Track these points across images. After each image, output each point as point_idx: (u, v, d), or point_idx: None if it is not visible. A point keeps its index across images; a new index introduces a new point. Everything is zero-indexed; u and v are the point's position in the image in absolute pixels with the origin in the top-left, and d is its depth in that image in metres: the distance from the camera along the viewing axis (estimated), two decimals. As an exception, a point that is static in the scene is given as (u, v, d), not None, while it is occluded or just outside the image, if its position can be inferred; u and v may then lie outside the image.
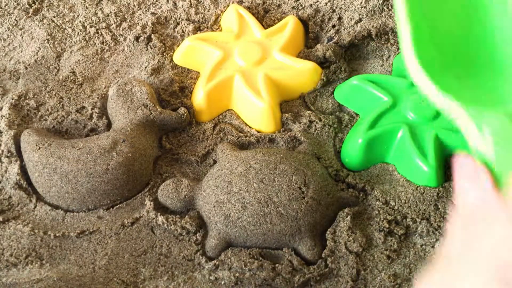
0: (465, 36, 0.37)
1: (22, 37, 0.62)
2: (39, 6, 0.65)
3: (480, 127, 0.31)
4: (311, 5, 0.63)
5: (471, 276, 0.27)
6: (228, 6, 0.63)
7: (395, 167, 0.52)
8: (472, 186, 0.30)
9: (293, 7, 0.63)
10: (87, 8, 0.64)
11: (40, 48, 0.61)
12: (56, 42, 0.62)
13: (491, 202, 0.28)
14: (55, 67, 0.60)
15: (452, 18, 0.38)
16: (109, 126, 0.55)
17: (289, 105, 0.57)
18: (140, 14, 0.64)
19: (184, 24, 0.63)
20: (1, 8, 0.65)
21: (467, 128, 0.32)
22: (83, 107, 0.56)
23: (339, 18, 0.61)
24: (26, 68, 0.60)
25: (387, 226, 0.48)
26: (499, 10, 0.36)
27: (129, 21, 0.63)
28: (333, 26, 0.61)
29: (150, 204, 0.49)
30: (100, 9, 0.64)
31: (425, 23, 0.36)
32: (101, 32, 0.62)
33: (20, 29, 0.63)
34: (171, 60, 0.60)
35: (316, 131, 0.54)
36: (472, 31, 0.37)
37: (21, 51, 0.61)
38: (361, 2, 0.61)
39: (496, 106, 0.32)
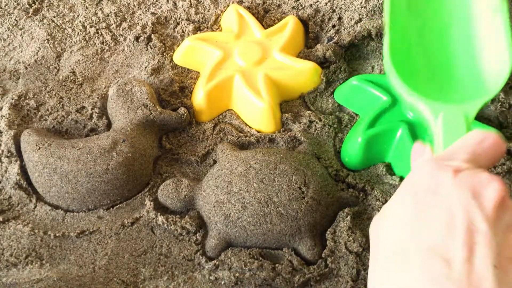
0: (433, 49, 0.46)
1: (22, 37, 0.62)
2: (39, 6, 0.65)
3: (437, 117, 0.39)
4: (311, 5, 0.63)
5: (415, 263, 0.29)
6: (228, 6, 0.63)
7: (395, 166, 0.52)
8: (419, 156, 0.35)
9: (293, 7, 0.63)
10: (87, 8, 0.64)
11: (40, 48, 0.61)
12: (56, 42, 0.62)
13: (439, 175, 0.31)
14: (55, 67, 0.60)
15: (422, 34, 0.46)
16: (109, 126, 0.55)
17: (289, 105, 0.57)
18: (140, 14, 0.64)
19: (184, 24, 0.63)
20: (1, 8, 0.65)
21: (426, 116, 0.40)
22: (83, 107, 0.56)
23: (339, 18, 0.61)
24: (26, 68, 0.60)
25: (387, 226, 0.48)
26: (457, 28, 0.46)
27: (129, 21, 0.63)
28: (333, 26, 0.61)
29: (150, 204, 0.50)
30: (100, 9, 0.64)
31: (402, 36, 0.45)
32: (101, 32, 0.62)
33: (20, 29, 0.63)
34: (171, 60, 0.60)
35: (316, 131, 0.54)
36: (438, 46, 0.46)
37: (21, 51, 0.61)
38: (361, 2, 0.61)
39: (454, 102, 0.40)
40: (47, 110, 0.56)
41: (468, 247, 0.28)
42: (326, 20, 0.62)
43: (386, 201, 0.49)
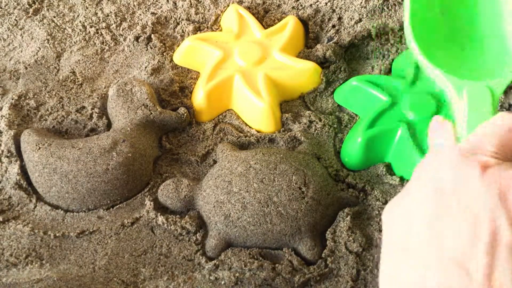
0: (458, 24, 0.44)
1: (22, 37, 0.62)
2: (39, 6, 0.65)
3: (461, 93, 0.37)
4: (311, 5, 0.63)
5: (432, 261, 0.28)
6: (228, 6, 0.63)
7: (395, 166, 0.52)
8: (438, 135, 0.34)
9: (293, 7, 0.63)
10: (87, 8, 0.64)
11: (40, 48, 0.61)
12: (56, 42, 0.62)
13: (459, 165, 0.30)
14: (55, 67, 0.60)
15: (446, 6, 0.44)
16: (109, 126, 0.55)
17: (289, 105, 0.57)
18: (140, 14, 0.64)
19: (184, 24, 0.63)
20: (1, 8, 0.65)
21: (449, 93, 0.38)
22: (83, 107, 0.56)
23: (339, 18, 0.61)
24: (26, 68, 0.60)
25: (387, 226, 0.48)
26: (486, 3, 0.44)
27: (129, 21, 0.63)
28: (333, 26, 0.61)
29: (150, 204, 0.50)
30: (100, 9, 0.64)
31: (423, 7, 0.43)
32: (101, 32, 0.62)
33: (20, 29, 0.63)
34: (171, 60, 0.60)
35: (316, 131, 0.54)
36: (463, 20, 0.44)
37: (21, 51, 0.61)
38: (361, 2, 0.61)
39: (479, 79, 0.38)
40: (47, 110, 0.56)
41: (490, 259, 0.27)
42: (326, 20, 0.62)
43: (386, 201, 0.49)
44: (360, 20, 0.60)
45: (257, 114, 0.54)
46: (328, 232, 0.48)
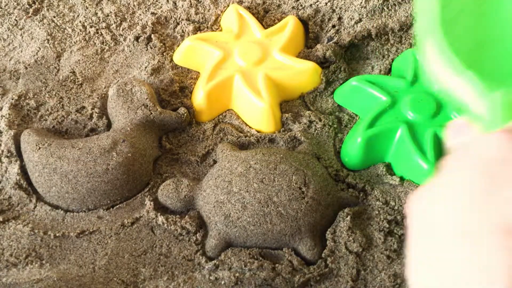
0: (482, 30, 0.40)
1: (22, 37, 0.62)
2: (39, 6, 0.65)
3: (490, 99, 0.33)
4: (311, 5, 0.63)
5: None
6: (228, 6, 0.63)
7: (395, 166, 0.52)
8: (461, 133, 0.32)
9: (293, 7, 0.63)
10: (87, 8, 0.64)
11: (40, 48, 0.61)
12: (56, 42, 0.62)
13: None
14: (55, 67, 0.60)
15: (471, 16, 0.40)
16: (109, 126, 0.55)
17: (289, 105, 0.57)
18: (140, 14, 0.64)
19: (184, 24, 0.63)
20: (1, 8, 0.65)
21: (473, 99, 0.34)
22: (83, 107, 0.56)
23: (339, 18, 0.61)
24: (26, 68, 0.60)
25: (387, 226, 0.48)
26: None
27: (129, 21, 0.63)
28: (333, 26, 0.61)
29: (150, 204, 0.50)
30: (100, 9, 0.64)
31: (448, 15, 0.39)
32: (101, 32, 0.62)
33: (20, 29, 0.63)
34: (171, 60, 0.60)
35: (316, 131, 0.54)
36: (489, 27, 0.40)
37: (21, 51, 0.61)
38: (361, 2, 0.61)
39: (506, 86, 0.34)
40: (47, 110, 0.56)
41: None
42: (326, 20, 0.62)
43: (386, 201, 0.49)
44: (360, 20, 0.60)
45: (257, 114, 0.54)
46: (328, 232, 0.48)
